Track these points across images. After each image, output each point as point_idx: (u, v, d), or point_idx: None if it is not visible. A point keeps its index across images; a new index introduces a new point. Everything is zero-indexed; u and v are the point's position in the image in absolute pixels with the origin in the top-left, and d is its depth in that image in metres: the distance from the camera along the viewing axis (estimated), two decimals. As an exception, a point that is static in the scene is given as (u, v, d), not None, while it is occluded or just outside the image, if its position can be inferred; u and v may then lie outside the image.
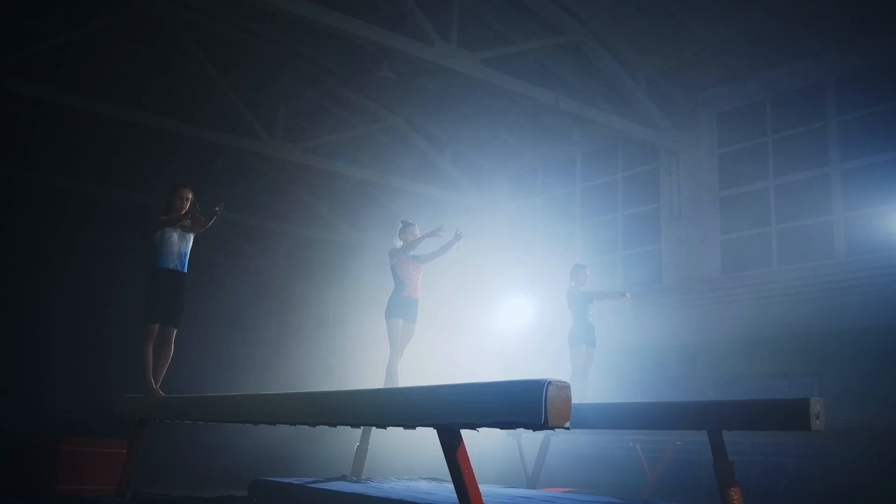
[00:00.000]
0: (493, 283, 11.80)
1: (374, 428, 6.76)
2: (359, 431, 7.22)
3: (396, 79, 9.59)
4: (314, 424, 4.33)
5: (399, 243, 7.23)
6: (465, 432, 3.30)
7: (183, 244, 6.08)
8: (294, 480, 6.40)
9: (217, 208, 5.92)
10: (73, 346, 11.54)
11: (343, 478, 6.81)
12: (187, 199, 6.06)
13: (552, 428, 2.81)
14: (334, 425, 4.23)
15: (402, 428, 3.60)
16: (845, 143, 8.93)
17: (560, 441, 8.55)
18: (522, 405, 2.86)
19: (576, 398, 7.93)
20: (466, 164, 12.90)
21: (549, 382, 2.81)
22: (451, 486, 3.56)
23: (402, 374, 6.99)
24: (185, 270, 6.10)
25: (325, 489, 5.94)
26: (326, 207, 14.21)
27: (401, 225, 7.32)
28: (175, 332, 6.08)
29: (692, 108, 10.26)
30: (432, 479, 7.17)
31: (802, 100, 9.36)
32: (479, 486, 3.31)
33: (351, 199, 13.44)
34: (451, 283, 10.36)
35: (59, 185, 12.21)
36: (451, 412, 3.22)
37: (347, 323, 11.83)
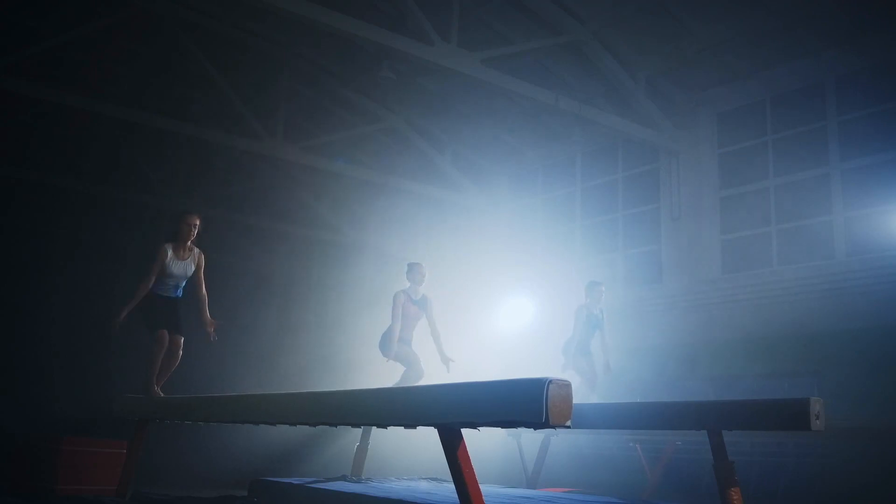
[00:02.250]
0: (493, 283, 11.80)
1: (374, 428, 6.76)
2: (359, 431, 7.22)
3: (396, 79, 9.58)
4: (314, 424, 4.33)
5: (407, 284, 7.33)
6: (465, 432, 3.30)
7: (182, 279, 6.14)
8: (294, 480, 6.41)
9: (212, 332, 6.15)
10: (74, 346, 11.51)
11: (343, 478, 6.82)
12: (195, 226, 6.05)
13: (553, 427, 2.81)
14: (334, 425, 4.23)
15: (402, 428, 3.60)
16: (845, 143, 8.92)
17: (560, 441, 8.55)
18: (523, 404, 2.86)
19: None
20: (466, 164, 12.90)
21: (550, 381, 2.81)
22: (451, 486, 3.56)
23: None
24: (180, 296, 6.18)
25: (325, 489, 5.95)
26: (326, 207, 14.20)
27: (406, 267, 7.42)
28: (182, 339, 6.11)
29: (692, 108, 10.26)
30: (432, 479, 7.17)
31: (802, 100, 9.36)
32: (479, 485, 3.31)
33: (351, 199, 13.43)
34: (451, 282, 10.36)
35: (59, 185, 12.20)
36: (452, 411, 3.22)
37: (347, 323, 11.82)
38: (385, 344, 7.20)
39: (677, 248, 10.17)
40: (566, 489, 7.59)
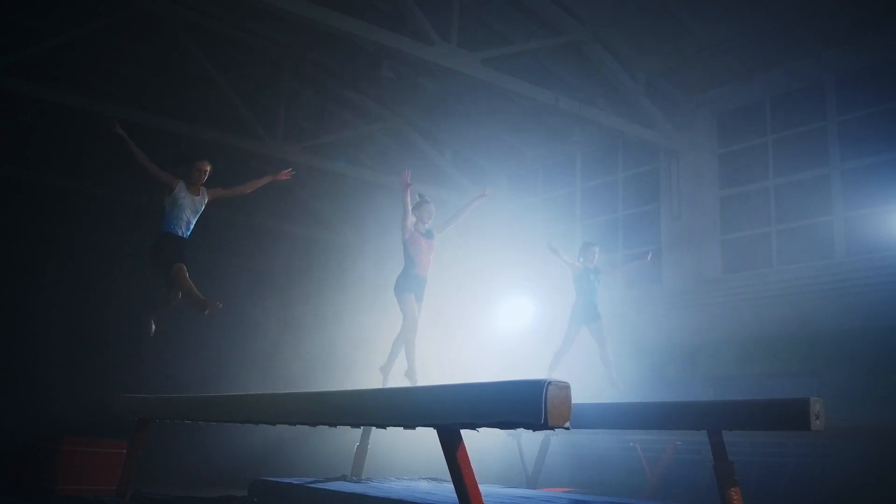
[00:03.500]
0: (493, 283, 11.80)
1: (374, 428, 6.76)
2: (359, 431, 7.22)
3: (396, 79, 9.60)
4: (314, 424, 4.33)
5: (414, 219, 7.10)
6: (465, 432, 3.30)
7: (192, 214, 6.24)
8: (294, 480, 6.40)
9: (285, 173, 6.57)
10: (74, 345, 11.52)
11: (343, 478, 6.81)
12: (205, 172, 6.29)
13: (552, 428, 2.81)
14: (334, 425, 4.23)
15: (402, 428, 3.60)
16: (845, 143, 8.93)
17: (560, 441, 8.55)
18: (522, 405, 2.86)
19: (552, 369, 7.98)
20: (466, 164, 12.90)
21: (549, 382, 2.81)
22: (451, 486, 3.56)
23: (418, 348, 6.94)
24: (188, 237, 6.26)
25: (325, 489, 5.94)
26: (326, 207, 14.20)
27: (417, 198, 7.16)
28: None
29: (692, 108, 10.26)
30: (432, 479, 7.17)
31: (802, 100, 9.36)
32: (479, 486, 3.31)
33: (351, 199, 13.44)
34: (451, 283, 10.36)
35: (59, 185, 12.20)
36: (451, 412, 3.22)
37: (347, 323, 11.82)
38: (400, 284, 7.02)
39: (677, 248, 10.17)
40: (566, 489, 7.59)
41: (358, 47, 9.95)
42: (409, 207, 6.98)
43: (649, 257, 8.53)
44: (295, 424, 4.71)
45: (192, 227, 6.29)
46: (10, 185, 11.93)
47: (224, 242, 13.94)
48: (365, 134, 12.22)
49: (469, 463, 3.30)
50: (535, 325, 10.89)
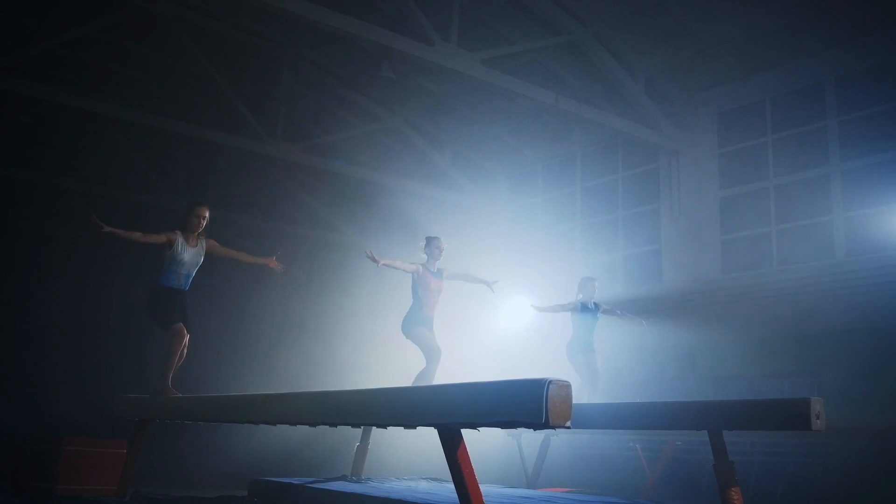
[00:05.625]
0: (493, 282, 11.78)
1: (374, 428, 6.75)
2: (359, 431, 7.22)
3: (396, 79, 9.59)
4: (314, 424, 4.33)
5: (423, 258, 7.13)
6: (465, 432, 3.30)
7: (193, 267, 6.06)
8: (294, 480, 6.40)
9: (277, 264, 6.44)
10: (74, 346, 11.53)
11: (343, 478, 6.81)
12: (203, 218, 6.00)
13: (553, 427, 2.81)
14: (334, 425, 4.23)
15: (402, 428, 3.60)
16: (845, 143, 8.93)
17: (560, 441, 8.55)
18: (523, 404, 2.86)
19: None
20: (466, 164, 12.90)
21: (550, 381, 2.81)
22: (451, 486, 3.56)
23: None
24: (187, 289, 6.10)
25: (325, 489, 5.94)
26: (326, 207, 14.20)
27: (424, 242, 7.17)
28: (188, 338, 6.03)
29: (692, 108, 10.26)
30: (432, 479, 7.17)
31: (802, 100, 9.36)
32: (479, 485, 3.31)
33: (351, 199, 13.44)
34: (451, 282, 10.35)
35: (59, 185, 12.20)
36: (452, 411, 3.22)
37: (347, 323, 11.83)
38: (407, 323, 7.01)
39: (677, 248, 10.17)
40: (566, 489, 7.59)
41: (358, 47, 9.95)
42: (402, 264, 6.97)
43: (645, 325, 8.44)
44: (295, 424, 4.71)
45: (191, 278, 6.08)
46: (10, 185, 11.93)
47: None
48: (365, 134, 12.21)
49: (470, 462, 3.30)
50: (535, 325, 10.88)
